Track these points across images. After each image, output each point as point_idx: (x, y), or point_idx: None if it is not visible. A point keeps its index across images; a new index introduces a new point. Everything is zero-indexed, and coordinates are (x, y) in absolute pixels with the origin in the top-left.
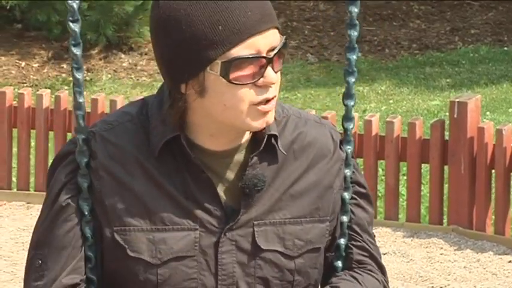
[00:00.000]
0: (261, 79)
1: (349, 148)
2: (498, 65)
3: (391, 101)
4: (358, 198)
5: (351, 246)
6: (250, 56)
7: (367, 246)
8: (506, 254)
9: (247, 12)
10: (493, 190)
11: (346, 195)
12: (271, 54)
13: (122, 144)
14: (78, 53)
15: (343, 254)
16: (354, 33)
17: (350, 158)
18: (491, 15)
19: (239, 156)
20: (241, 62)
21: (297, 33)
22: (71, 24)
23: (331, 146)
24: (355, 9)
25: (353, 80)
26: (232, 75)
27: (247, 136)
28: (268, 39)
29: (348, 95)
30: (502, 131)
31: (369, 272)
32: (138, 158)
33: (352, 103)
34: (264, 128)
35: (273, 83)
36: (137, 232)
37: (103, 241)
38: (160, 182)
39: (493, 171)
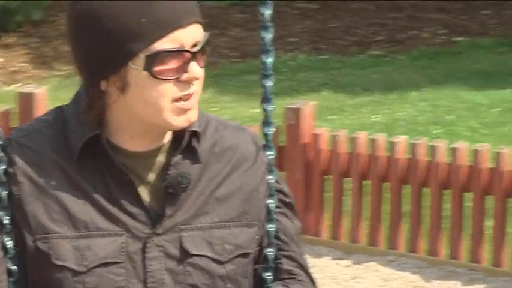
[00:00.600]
0: (185, 74)
1: (271, 154)
2: (316, 73)
3: (214, 109)
4: (282, 207)
5: (280, 256)
6: (175, 50)
7: (295, 256)
8: (342, 259)
9: (171, 6)
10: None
11: (271, 203)
12: (195, 49)
13: (40, 149)
14: None
15: (272, 265)
16: (268, 36)
17: (272, 164)
18: (309, 24)
19: (161, 158)
20: (165, 55)
21: None
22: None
23: (253, 150)
24: (267, 11)
25: (270, 83)
26: (156, 69)
27: (168, 137)
28: (192, 34)
29: (265, 99)
30: (336, 137)
31: (301, 283)
32: (57, 163)
33: (270, 107)
34: (185, 128)
35: (197, 79)
36: (60, 239)
37: (25, 250)
38: (82, 186)
39: (328, 177)
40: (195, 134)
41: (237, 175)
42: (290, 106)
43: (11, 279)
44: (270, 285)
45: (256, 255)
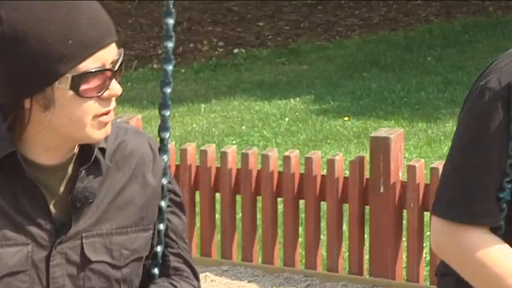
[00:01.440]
0: (107, 91)
1: (165, 157)
2: None
3: None
4: (173, 206)
5: (168, 253)
6: (100, 69)
7: (182, 253)
8: None
9: (95, 26)
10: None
11: (163, 203)
12: (115, 67)
13: None
14: None
15: (160, 261)
16: (170, 45)
17: (167, 167)
18: None
19: (69, 169)
20: (89, 75)
21: None
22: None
23: (150, 155)
24: (170, 21)
25: (169, 90)
26: (81, 89)
27: (75, 149)
28: (112, 53)
29: (163, 105)
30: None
31: (186, 279)
32: None
33: (168, 113)
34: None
35: (117, 95)
36: None
37: None
38: None
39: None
40: (100, 149)
41: (137, 182)
42: None
43: None
44: (157, 280)
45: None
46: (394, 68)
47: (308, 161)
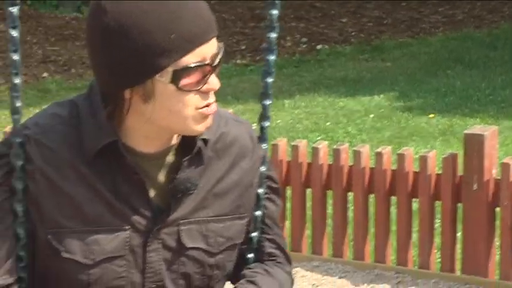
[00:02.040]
0: (205, 85)
1: (265, 146)
2: None
3: None
4: (270, 193)
5: (263, 239)
6: (200, 64)
7: (277, 239)
8: None
9: (197, 22)
10: None
11: (261, 191)
12: (214, 61)
13: (55, 147)
14: (16, 58)
15: (255, 246)
16: (273, 35)
17: (266, 156)
18: None
19: (169, 158)
20: (190, 70)
21: None
22: (11, 30)
23: (250, 145)
24: (274, 12)
25: (271, 80)
26: (181, 83)
27: (176, 138)
28: (212, 47)
29: (265, 95)
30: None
31: (279, 265)
32: (71, 161)
33: (268, 102)
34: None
35: (216, 89)
36: (70, 233)
37: (36, 242)
38: (93, 184)
39: None
40: (203, 139)
41: (236, 171)
42: None
43: (20, 265)
44: (251, 265)
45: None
46: (478, 65)
47: (400, 158)
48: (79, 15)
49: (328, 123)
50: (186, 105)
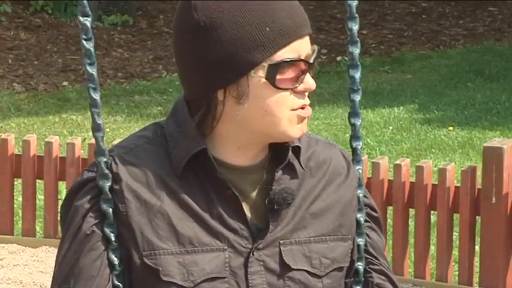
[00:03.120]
0: (301, 85)
1: (359, 168)
2: None
3: (107, 130)
4: (371, 222)
5: (370, 270)
6: (296, 59)
7: (385, 270)
8: None
9: (292, 15)
10: None
11: (361, 217)
12: (310, 59)
13: (143, 164)
14: (94, 72)
15: (362, 278)
16: (356, 51)
17: (361, 178)
18: None
19: (261, 173)
20: (285, 65)
21: (0, 62)
22: (84, 42)
23: (344, 164)
24: (355, 26)
25: (358, 97)
26: (277, 79)
27: (266, 152)
28: (307, 45)
29: (354, 114)
30: None
31: None
32: (161, 178)
33: (359, 122)
34: (286, 143)
35: (312, 89)
36: (167, 255)
37: (132, 267)
38: (185, 201)
39: None
40: (294, 150)
41: (332, 189)
42: None
43: None
44: None
45: (346, 268)
46: (499, 78)
47: (419, 170)
48: (99, 24)
49: (347, 135)
50: (281, 105)
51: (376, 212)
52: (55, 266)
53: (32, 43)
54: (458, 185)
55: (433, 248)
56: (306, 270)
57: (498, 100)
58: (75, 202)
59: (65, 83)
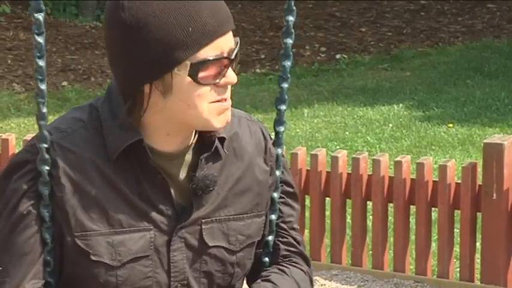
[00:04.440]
0: (223, 79)
1: (279, 150)
2: None
3: None
4: (286, 197)
5: (278, 242)
6: (218, 58)
7: (293, 242)
8: None
9: (215, 14)
10: None
11: (276, 194)
12: (232, 55)
13: (79, 151)
14: (42, 64)
15: (271, 250)
16: (289, 41)
17: (280, 160)
18: None
19: (188, 157)
20: (208, 63)
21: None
22: (36, 36)
23: (263, 144)
24: (291, 18)
25: (286, 85)
26: (199, 76)
27: (193, 136)
28: (230, 41)
29: (280, 100)
30: None
31: (295, 264)
32: (95, 163)
33: (284, 107)
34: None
35: (234, 83)
36: (97, 236)
37: (64, 246)
38: (117, 185)
39: None
40: (220, 138)
41: (252, 170)
42: None
43: (47, 270)
44: (267, 268)
45: (258, 241)
46: (498, 75)
47: (420, 167)
48: (98, 24)
49: (347, 133)
50: (202, 98)
51: (292, 187)
52: None
53: (32, 43)
54: (459, 181)
55: (434, 245)
56: (223, 247)
57: (497, 97)
58: (12, 183)
59: (64, 83)
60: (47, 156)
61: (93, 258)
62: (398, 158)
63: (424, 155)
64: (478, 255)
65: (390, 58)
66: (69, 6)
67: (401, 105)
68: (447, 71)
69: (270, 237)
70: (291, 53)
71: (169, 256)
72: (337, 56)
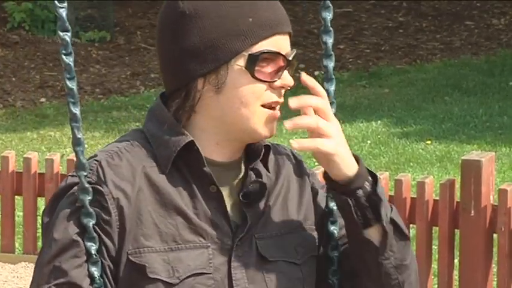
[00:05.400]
0: (279, 81)
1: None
2: None
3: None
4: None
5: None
6: (276, 51)
7: None
8: None
9: (274, 11)
10: None
11: (334, 229)
12: (290, 56)
13: (127, 164)
14: (73, 87)
15: (337, 267)
16: (329, 40)
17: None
18: None
19: (237, 170)
20: (265, 57)
21: None
22: (64, 57)
23: (294, 160)
24: (328, 15)
25: (332, 88)
26: (256, 69)
27: (242, 151)
28: (287, 42)
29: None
30: None
31: None
32: (147, 177)
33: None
34: (258, 143)
35: (290, 86)
36: (152, 253)
37: (118, 267)
38: (169, 198)
39: None
40: (267, 148)
41: (295, 185)
42: None
43: None
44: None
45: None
46: (476, 92)
47: (398, 183)
48: (77, 41)
49: None
50: (257, 96)
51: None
52: (35, 269)
53: (10, 59)
54: (437, 198)
55: None
56: (284, 261)
57: (475, 114)
58: (59, 207)
59: (42, 99)
60: (87, 185)
61: (150, 275)
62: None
63: (402, 171)
64: (456, 272)
65: (368, 75)
66: (48, 23)
67: (379, 122)
68: (425, 88)
69: (335, 253)
70: (332, 53)
71: (231, 276)
72: (316, 73)
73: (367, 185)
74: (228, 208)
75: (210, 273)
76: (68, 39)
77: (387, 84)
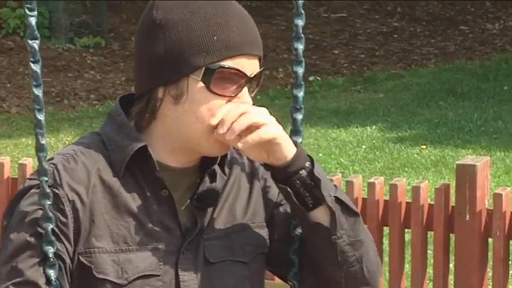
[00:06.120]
0: (236, 99)
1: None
2: None
3: None
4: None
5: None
6: (234, 69)
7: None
8: None
9: (243, 33)
10: None
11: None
12: (251, 74)
13: (84, 168)
14: (39, 94)
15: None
16: (300, 47)
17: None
18: None
19: (191, 176)
20: (224, 73)
21: None
22: (32, 65)
23: (245, 160)
24: (300, 22)
25: (300, 116)
26: (212, 83)
27: (198, 159)
28: (253, 65)
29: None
30: None
31: None
32: (99, 179)
33: (300, 116)
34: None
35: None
36: (102, 253)
37: (73, 265)
38: (123, 201)
39: None
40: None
41: (245, 183)
42: None
43: None
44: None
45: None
46: (470, 96)
47: (393, 188)
48: (71, 47)
49: (320, 155)
50: (211, 113)
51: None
52: None
53: (4, 66)
54: (432, 203)
55: (407, 266)
56: (230, 260)
57: (470, 118)
58: (17, 209)
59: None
60: (48, 190)
61: (97, 275)
62: (371, 180)
63: (397, 176)
64: (451, 277)
65: (363, 80)
66: (41, 29)
67: (374, 127)
68: (420, 92)
69: (294, 256)
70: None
71: (179, 278)
72: (310, 78)
73: (308, 165)
74: (180, 212)
75: (158, 275)
76: (36, 47)
77: (382, 89)
